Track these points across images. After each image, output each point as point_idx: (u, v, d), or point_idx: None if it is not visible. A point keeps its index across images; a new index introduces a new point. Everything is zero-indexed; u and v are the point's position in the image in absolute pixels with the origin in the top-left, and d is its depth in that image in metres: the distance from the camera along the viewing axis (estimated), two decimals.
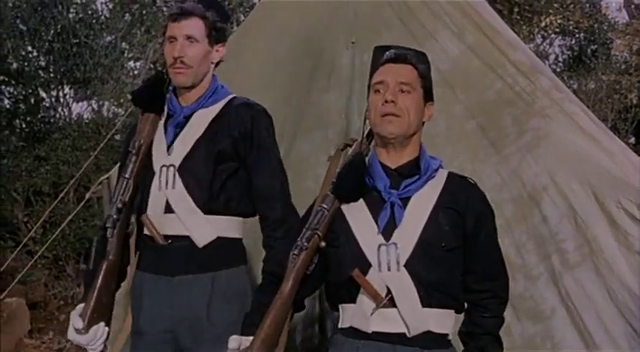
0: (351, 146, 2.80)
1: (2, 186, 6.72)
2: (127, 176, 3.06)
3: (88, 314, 2.97)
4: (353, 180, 2.68)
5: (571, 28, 11.74)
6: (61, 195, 6.19)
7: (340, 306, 2.69)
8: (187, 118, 3.11)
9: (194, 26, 3.06)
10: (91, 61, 7.14)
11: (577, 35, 12.34)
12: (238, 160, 3.10)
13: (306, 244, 2.61)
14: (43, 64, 7.43)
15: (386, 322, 2.57)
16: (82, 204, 5.28)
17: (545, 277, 4.37)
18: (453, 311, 2.68)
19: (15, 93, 7.31)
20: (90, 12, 7.28)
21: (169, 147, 3.10)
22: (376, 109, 2.69)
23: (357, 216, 2.64)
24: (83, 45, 7.14)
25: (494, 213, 2.89)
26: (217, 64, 3.20)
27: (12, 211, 6.88)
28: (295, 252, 2.62)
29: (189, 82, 3.05)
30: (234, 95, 3.25)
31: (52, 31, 6.87)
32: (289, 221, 3.07)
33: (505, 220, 4.41)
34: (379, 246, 2.58)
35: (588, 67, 11.95)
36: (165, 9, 7.93)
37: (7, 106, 7.27)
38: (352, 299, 2.60)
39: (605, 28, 12.29)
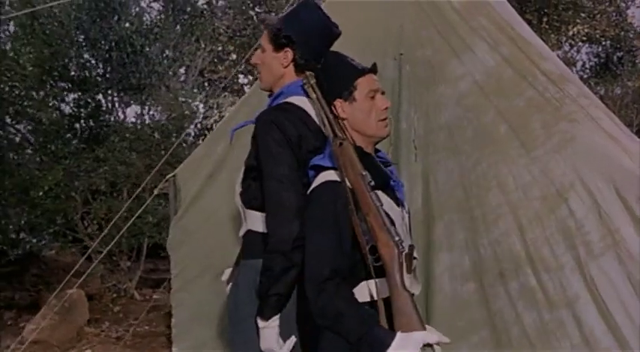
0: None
1: (66, 185, 7.10)
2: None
3: None
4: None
5: (598, 36, 11.71)
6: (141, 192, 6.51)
7: None
8: None
9: None
10: (145, 69, 7.52)
11: (603, 43, 12.30)
12: None
13: None
14: (101, 71, 7.84)
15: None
16: (151, 198, 5.66)
17: (571, 265, 4.62)
18: None
19: (76, 98, 7.68)
20: (144, 23, 7.64)
21: None
22: (375, 114, 3.14)
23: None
24: (139, 53, 7.51)
25: None
26: None
27: (73, 208, 7.24)
28: None
29: None
30: None
31: (109, 41, 7.20)
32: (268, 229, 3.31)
33: (535, 214, 4.70)
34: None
35: (614, 74, 12.04)
36: (215, 20, 8.31)
37: (70, 111, 7.61)
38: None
39: (631, 36, 12.25)
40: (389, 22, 5.12)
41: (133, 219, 5.92)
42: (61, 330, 6.98)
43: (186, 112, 7.70)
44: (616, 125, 5.13)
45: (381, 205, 3.03)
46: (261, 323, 3.20)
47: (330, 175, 3.11)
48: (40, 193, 6.95)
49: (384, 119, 3.23)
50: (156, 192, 5.49)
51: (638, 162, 4.73)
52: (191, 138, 8.41)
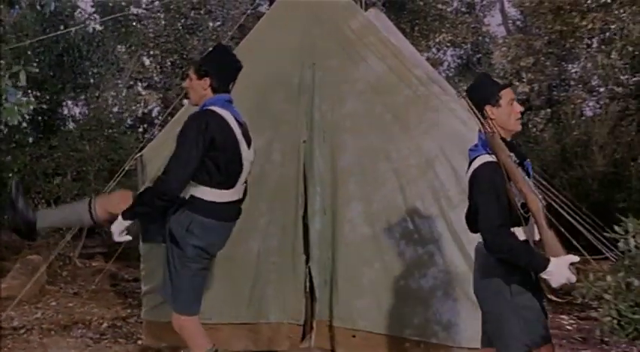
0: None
1: (31, 168, 8.24)
2: None
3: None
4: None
5: (459, 42, 12.90)
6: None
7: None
8: None
9: None
10: (90, 71, 8.66)
11: (465, 47, 13.53)
12: None
13: None
14: (53, 73, 8.79)
15: None
16: (120, 175, 6.82)
17: (436, 213, 6.02)
18: None
19: (37, 96, 8.59)
20: (88, 32, 8.74)
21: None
22: (513, 115, 4.18)
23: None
24: (84, 58, 8.57)
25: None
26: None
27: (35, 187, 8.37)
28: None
29: None
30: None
31: (60, 48, 8.30)
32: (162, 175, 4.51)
33: (412, 177, 6.11)
34: None
35: (474, 73, 13.08)
36: (145, 30, 9.53)
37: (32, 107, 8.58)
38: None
39: (487, 41, 13.63)
40: (305, 39, 6.43)
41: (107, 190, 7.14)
42: (30, 287, 8.10)
43: (125, 106, 8.98)
44: (468, 113, 6.77)
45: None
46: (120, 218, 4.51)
47: (486, 158, 4.17)
48: (10, 175, 8.19)
49: (519, 118, 4.26)
50: (126, 166, 6.72)
51: None
52: (128, 127, 9.55)
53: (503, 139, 4.12)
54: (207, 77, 4.78)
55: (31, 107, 4.51)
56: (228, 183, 4.69)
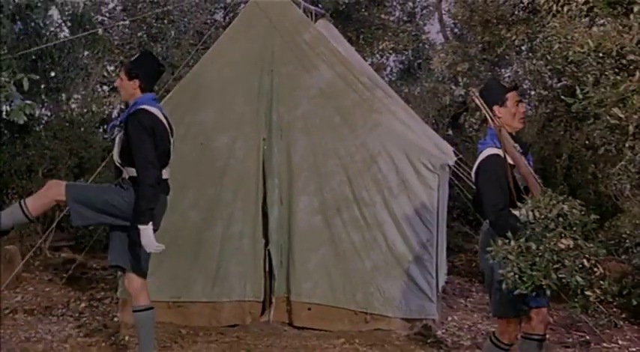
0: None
1: (8, 165, 8.79)
2: None
3: None
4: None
5: (401, 48, 13.49)
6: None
7: None
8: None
9: None
10: (61, 76, 9.27)
11: (406, 53, 14.08)
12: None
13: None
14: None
15: None
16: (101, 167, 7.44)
17: (380, 202, 6.75)
18: None
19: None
20: (59, 40, 9.30)
21: None
22: (517, 114, 4.82)
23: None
24: (56, 63, 9.15)
25: None
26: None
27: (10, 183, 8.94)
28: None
29: None
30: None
31: (34, 54, 8.84)
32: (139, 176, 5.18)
33: (358, 171, 6.80)
34: None
35: (415, 77, 13.89)
36: (111, 37, 10.14)
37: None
38: None
39: (427, 47, 14.15)
40: (264, 49, 7.04)
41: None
42: (5, 276, 8.59)
43: (93, 109, 9.59)
44: (408, 114, 7.36)
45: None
46: (142, 227, 5.16)
47: (491, 150, 4.78)
48: None
49: (522, 118, 4.93)
50: (104, 163, 7.36)
51: (420, 137, 6.86)
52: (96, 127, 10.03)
53: (509, 134, 4.82)
54: (136, 79, 5.46)
55: (34, 109, 5.19)
56: (164, 164, 5.41)
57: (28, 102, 4.97)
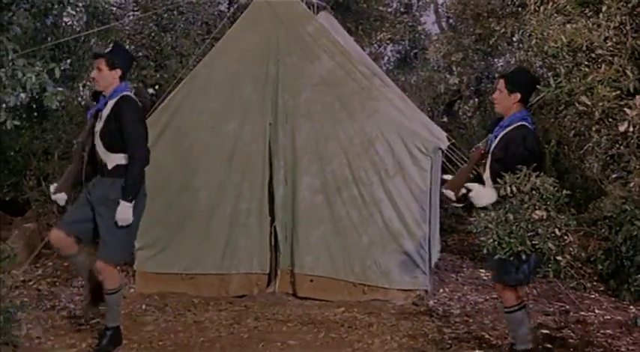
0: None
1: (29, 148, 9.28)
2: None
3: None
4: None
5: (398, 39, 13.79)
6: None
7: None
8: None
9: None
10: (76, 63, 9.75)
11: (403, 43, 14.32)
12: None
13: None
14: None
15: None
16: None
17: (377, 182, 7.16)
18: None
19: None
20: (75, 30, 9.75)
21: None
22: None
23: None
24: (72, 52, 9.64)
25: None
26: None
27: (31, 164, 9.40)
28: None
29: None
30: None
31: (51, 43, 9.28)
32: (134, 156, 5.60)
33: (356, 153, 7.21)
34: None
35: (411, 66, 14.12)
36: (123, 27, 10.58)
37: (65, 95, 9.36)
38: None
39: (423, 37, 14.37)
40: (270, 41, 7.45)
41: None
42: (25, 252, 8.97)
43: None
44: (404, 102, 7.80)
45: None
46: (127, 204, 5.65)
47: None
48: (12, 153, 9.27)
49: (492, 103, 5.59)
50: None
51: (415, 123, 7.31)
52: None
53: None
54: (117, 69, 5.83)
55: (64, 95, 5.68)
56: None
57: (60, 89, 5.42)
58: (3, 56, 5.37)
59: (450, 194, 5.41)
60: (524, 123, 5.29)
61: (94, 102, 6.00)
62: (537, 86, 5.19)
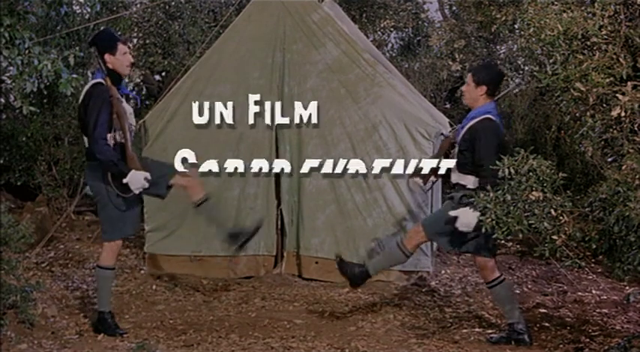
0: None
1: (40, 134, 9.45)
2: None
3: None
4: None
5: (402, 26, 13.74)
6: None
7: None
8: None
9: None
10: (87, 51, 9.94)
11: (406, 30, 14.25)
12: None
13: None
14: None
15: None
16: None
17: (380, 166, 6.99)
18: None
19: None
20: (85, 19, 10.00)
21: None
22: None
23: None
24: (82, 40, 9.84)
25: None
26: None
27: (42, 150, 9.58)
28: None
29: None
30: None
31: (63, 31, 9.49)
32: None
33: (361, 138, 7.39)
34: None
35: (414, 53, 14.18)
36: (136, 15, 10.78)
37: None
38: None
39: (426, 25, 14.27)
40: (277, 28, 7.60)
41: None
42: (37, 235, 8.88)
43: None
44: (407, 88, 7.98)
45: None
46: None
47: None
48: (24, 139, 9.46)
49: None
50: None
51: (417, 108, 7.46)
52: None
53: None
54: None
55: (79, 82, 5.85)
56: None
57: (75, 75, 5.60)
58: (20, 44, 5.52)
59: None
60: (488, 116, 5.73)
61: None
62: (504, 80, 5.57)
